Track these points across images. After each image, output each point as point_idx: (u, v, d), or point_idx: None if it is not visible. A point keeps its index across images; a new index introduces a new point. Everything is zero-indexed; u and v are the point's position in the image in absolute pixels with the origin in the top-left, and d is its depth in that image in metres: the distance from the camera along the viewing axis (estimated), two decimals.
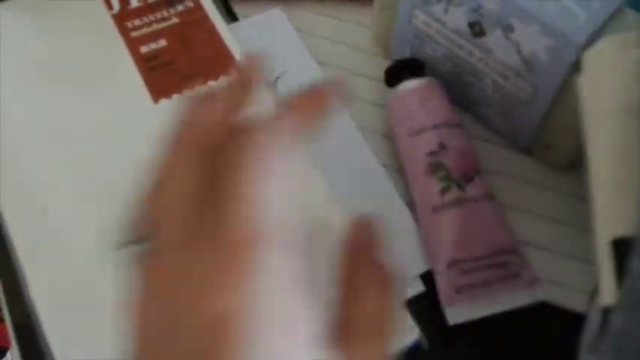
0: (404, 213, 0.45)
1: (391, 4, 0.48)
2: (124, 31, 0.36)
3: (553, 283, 0.44)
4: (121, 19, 0.37)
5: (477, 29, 0.43)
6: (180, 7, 0.37)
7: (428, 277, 0.43)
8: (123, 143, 0.35)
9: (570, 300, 0.43)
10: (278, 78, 0.50)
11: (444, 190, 0.43)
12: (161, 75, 0.35)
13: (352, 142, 0.48)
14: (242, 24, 0.53)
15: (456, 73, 0.48)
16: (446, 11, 0.44)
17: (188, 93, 0.35)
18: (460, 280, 0.41)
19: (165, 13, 0.37)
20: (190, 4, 0.38)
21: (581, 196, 0.46)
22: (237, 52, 0.38)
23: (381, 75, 0.50)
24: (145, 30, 0.36)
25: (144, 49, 0.36)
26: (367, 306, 0.22)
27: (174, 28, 0.37)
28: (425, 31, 0.47)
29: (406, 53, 0.50)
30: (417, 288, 0.43)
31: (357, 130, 0.49)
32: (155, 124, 0.33)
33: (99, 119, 0.35)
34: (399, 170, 0.47)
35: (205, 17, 0.38)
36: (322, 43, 0.54)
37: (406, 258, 0.44)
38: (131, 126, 0.35)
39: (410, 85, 0.46)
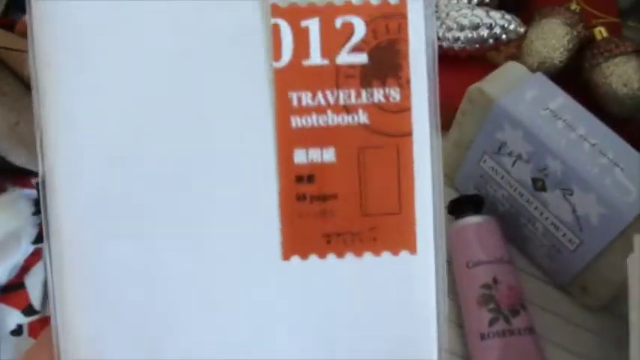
0: None
1: (465, 144, 0.54)
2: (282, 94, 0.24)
3: None
4: (285, 83, 0.24)
5: (539, 185, 0.49)
6: (362, 117, 0.24)
7: None
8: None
9: None
10: None
11: (493, 321, 0.49)
12: (308, 217, 0.24)
13: None
14: None
15: (511, 213, 0.54)
16: (513, 164, 0.50)
17: (333, 258, 0.23)
18: None
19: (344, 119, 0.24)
20: (397, 97, 0.25)
21: (611, 337, 0.51)
22: None
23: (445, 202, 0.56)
24: (311, 123, 0.24)
25: (300, 157, 0.24)
26: None
27: (351, 139, 0.24)
28: (490, 174, 0.53)
29: (469, 186, 0.56)
30: None
31: None
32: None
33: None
34: (452, 293, 0.53)
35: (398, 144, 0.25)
36: None
37: None
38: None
39: (472, 220, 0.53)
